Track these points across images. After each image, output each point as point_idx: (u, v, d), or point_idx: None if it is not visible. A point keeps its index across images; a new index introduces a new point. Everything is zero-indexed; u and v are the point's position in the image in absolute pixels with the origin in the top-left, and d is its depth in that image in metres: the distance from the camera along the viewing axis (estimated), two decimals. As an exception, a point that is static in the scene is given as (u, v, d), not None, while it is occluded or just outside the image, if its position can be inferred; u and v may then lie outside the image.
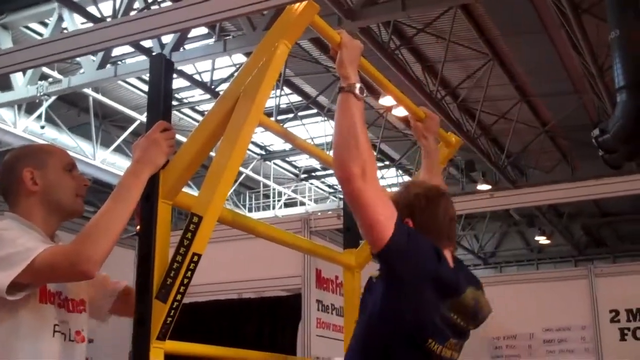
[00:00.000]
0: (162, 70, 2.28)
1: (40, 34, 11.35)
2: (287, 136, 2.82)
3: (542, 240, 21.13)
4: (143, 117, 13.59)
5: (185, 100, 14.81)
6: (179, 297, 2.09)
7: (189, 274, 2.09)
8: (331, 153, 2.32)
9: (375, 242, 2.18)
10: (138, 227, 2.18)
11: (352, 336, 2.39)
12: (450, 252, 2.38)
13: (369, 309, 2.30)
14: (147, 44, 10.44)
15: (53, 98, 11.87)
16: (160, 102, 2.27)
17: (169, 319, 2.08)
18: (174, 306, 2.08)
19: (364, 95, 2.25)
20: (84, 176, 2.45)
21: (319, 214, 12.00)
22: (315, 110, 14.72)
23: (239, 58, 11.74)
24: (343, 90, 2.25)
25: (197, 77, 12.21)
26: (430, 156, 2.89)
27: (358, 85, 2.24)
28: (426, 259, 2.23)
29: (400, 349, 2.20)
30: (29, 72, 10.96)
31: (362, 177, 2.12)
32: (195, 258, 2.09)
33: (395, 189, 2.69)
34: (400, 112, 12.54)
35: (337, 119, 2.23)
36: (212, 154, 2.26)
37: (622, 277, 5.71)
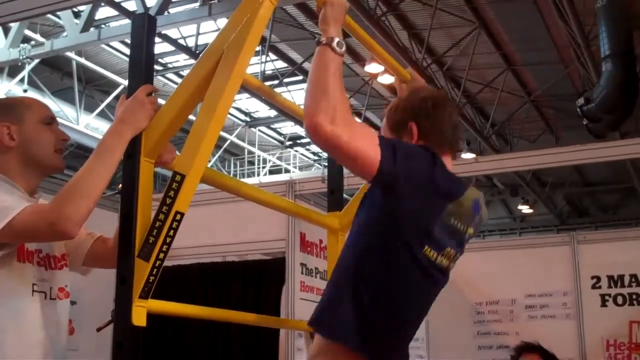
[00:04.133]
0: (144, 29, 2.24)
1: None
2: (270, 95, 2.79)
3: (525, 209, 21.26)
4: (127, 82, 13.45)
5: (169, 65, 14.69)
6: (161, 255, 2.07)
7: (171, 232, 2.07)
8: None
9: (367, 174, 2.13)
10: (120, 186, 2.15)
11: (337, 264, 2.33)
12: (449, 158, 2.36)
13: (356, 225, 2.28)
14: (131, 7, 10.32)
15: (36, 61, 11.75)
16: (143, 62, 2.24)
17: (152, 277, 2.06)
18: (157, 265, 2.06)
19: (343, 49, 2.18)
20: (63, 131, 2.40)
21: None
22: (300, 77, 14.64)
23: (224, 22, 11.61)
24: (320, 44, 2.19)
25: (181, 41, 12.09)
26: None
27: (337, 39, 2.18)
28: (419, 164, 2.18)
29: (395, 257, 2.17)
30: (11, 34, 10.82)
31: (330, 122, 2.03)
32: (178, 217, 2.07)
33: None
34: (386, 79, 12.50)
35: (310, 72, 2.18)
36: (193, 117, 2.23)
37: (604, 243, 5.75)
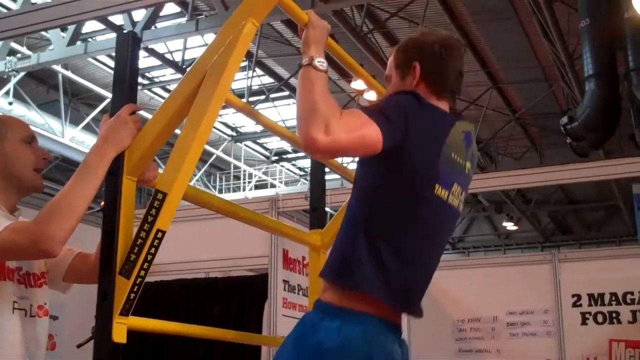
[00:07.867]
0: (128, 47, 2.26)
1: (9, 9, 11.18)
2: (253, 114, 2.82)
3: (510, 226, 21.34)
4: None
5: (156, 80, 14.70)
6: (142, 273, 2.08)
7: (152, 250, 2.08)
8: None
9: (374, 152, 2.18)
10: (102, 203, 2.17)
11: (345, 219, 2.36)
12: (446, 103, 2.40)
13: (360, 179, 2.33)
14: (118, 21, 10.34)
15: (22, 74, 11.72)
16: (126, 81, 2.26)
17: (132, 294, 2.07)
18: (137, 282, 2.08)
19: (325, 66, 2.22)
20: (43, 149, 2.42)
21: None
22: (287, 92, 14.69)
23: (211, 38, 11.65)
24: (302, 66, 2.23)
25: (168, 56, 12.12)
26: None
27: (317, 58, 2.21)
28: (410, 113, 2.22)
29: (405, 204, 2.23)
30: (-3, 47, 10.81)
31: (325, 133, 2.05)
32: (160, 234, 2.08)
33: None
34: (372, 96, 12.55)
35: (297, 93, 2.21)
36: (178, 131, 2.25)
37: (584, 262, 5.80)
